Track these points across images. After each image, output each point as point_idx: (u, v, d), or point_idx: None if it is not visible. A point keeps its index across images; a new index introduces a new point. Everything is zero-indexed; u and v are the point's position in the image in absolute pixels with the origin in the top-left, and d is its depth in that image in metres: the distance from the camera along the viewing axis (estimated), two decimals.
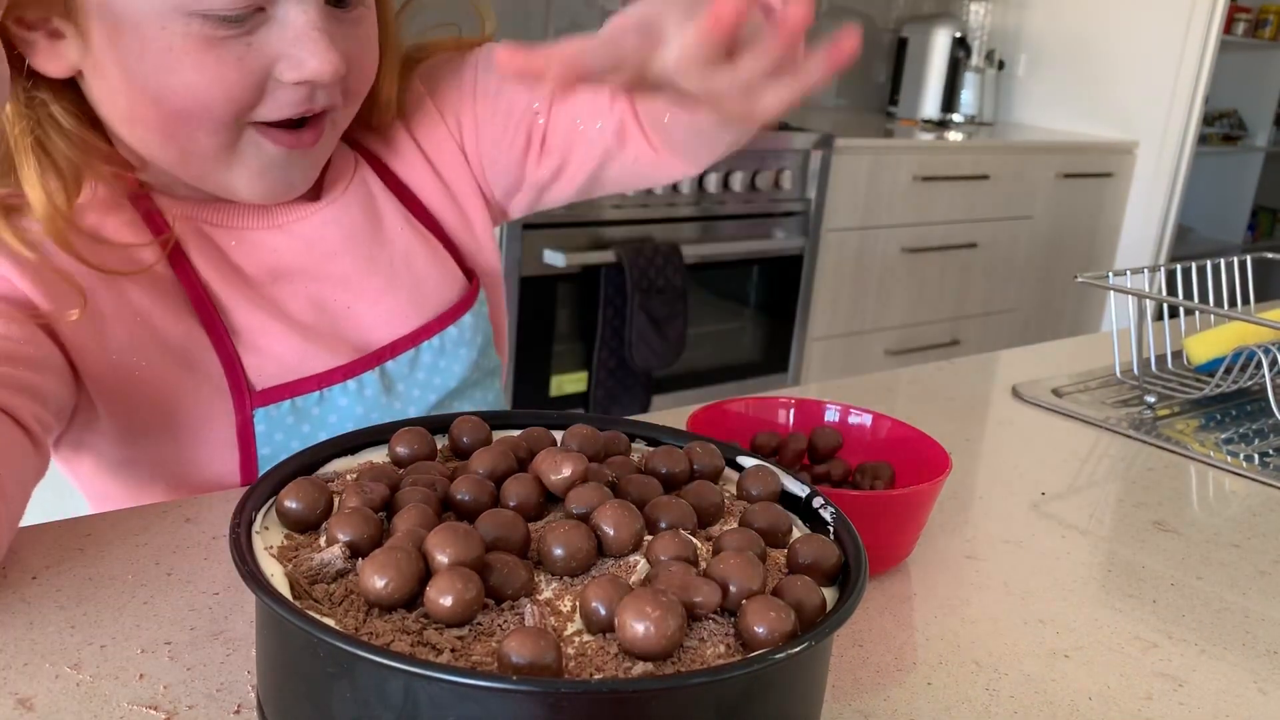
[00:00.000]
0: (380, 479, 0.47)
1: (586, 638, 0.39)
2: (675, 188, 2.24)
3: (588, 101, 0.77)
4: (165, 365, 0.67)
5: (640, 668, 0.37)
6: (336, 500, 0.47)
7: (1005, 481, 0.80)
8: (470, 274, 0.81)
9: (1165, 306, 1.09)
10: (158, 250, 0.67)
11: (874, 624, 0.58)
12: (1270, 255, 1.34)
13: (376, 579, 0.39)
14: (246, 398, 0.69)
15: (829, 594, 0.43)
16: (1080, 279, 1.05)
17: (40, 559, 0.57)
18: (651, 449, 0.54)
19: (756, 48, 0.48)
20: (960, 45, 3.19)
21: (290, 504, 0.45)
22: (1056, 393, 1.00)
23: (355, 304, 0.74)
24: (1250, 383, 1.02)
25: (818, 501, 0.50)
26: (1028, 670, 0.55)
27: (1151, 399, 1.00)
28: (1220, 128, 4.29)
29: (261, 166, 0.66)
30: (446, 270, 0.79)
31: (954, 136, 3.01)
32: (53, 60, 0.62)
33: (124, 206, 0.68)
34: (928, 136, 2.95)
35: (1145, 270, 1.10)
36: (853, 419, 0.72)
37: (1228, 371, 0.99)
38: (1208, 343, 1.06)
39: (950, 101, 3.23)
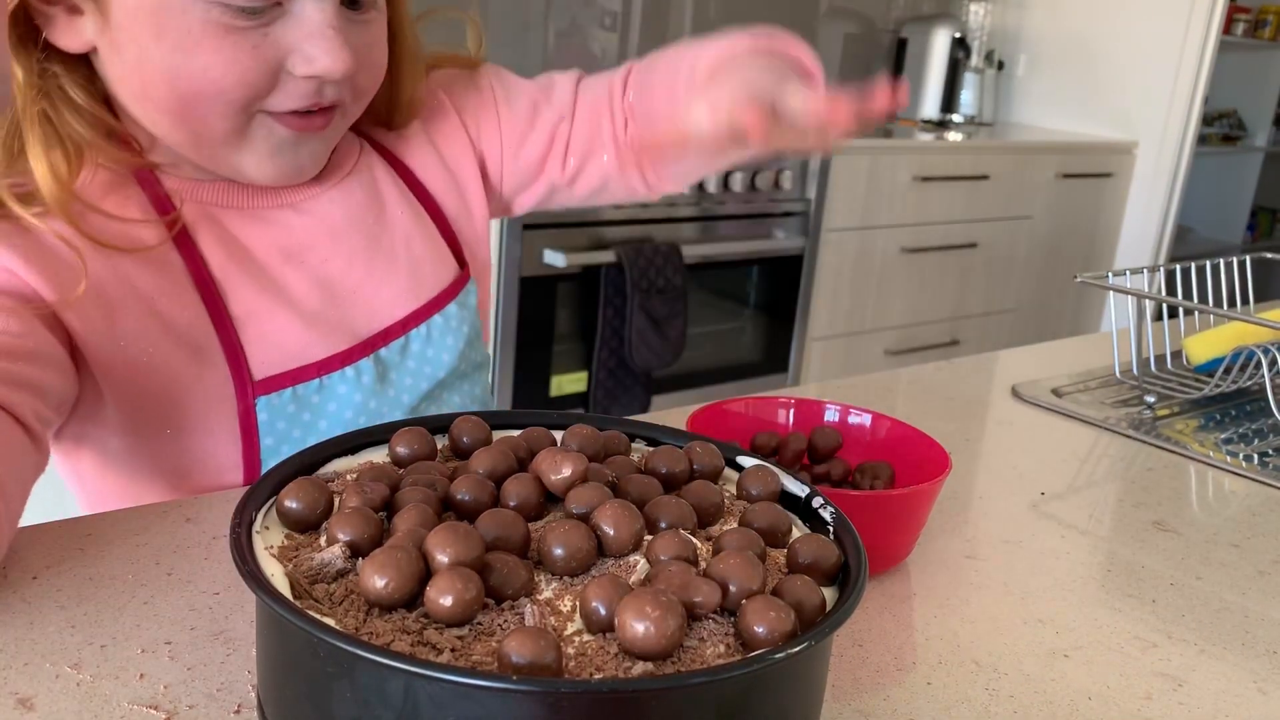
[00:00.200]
0: (380, 479, 0.47)
1: (586, 637, 0.39)
2: None
3: (595, 134, 0.84)
4: (172, 353, 0.68)
5: (640, 667, 0.37)
6: (337, 500, 0.47)
7: (1005, 481, 0.80)
8: (462, 262, 0.83)
9: (1165, 306, 1.09)
10: (163, 230, 0.68)
11: (874, 624, 0.58)
12: (1270, 255, 1.34)
13: (377, 579, 0.39)
14: (249, 387, 0.70)
15: (829, 594, 0.43)
16: (1080, 279, 1.05)
17: (40, 559, 0.57)
18: (651, 449, 0.54)
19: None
20: (960, 45, 3.19)
21: (290, 504, 0.45)
22: (1056, 393, 1.00)
23: (362, 285, 0.76)
24: (1250, 383, 1.02)
25: (817, 501, 0.50)
26: (1027, 670, 0.55)
27: (1151, 399, 1.00)
28: (1220, 128, 4.29)
29: (271, 149, 0.68)
30: (441, 254, 0.81)
31: (954, 137, 3.01)
32: (69, 35, 0.64)
33: (131, 188, 0.69)
34: (927, 137, 2.95)
35: (1145, 270, 1.10)
36: (852, 419, 0.72)
37: (1227, 371, 0.99)
38: (1207, 343, 1.06)
39: (950, 102, 3.23)
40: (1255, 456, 0.89)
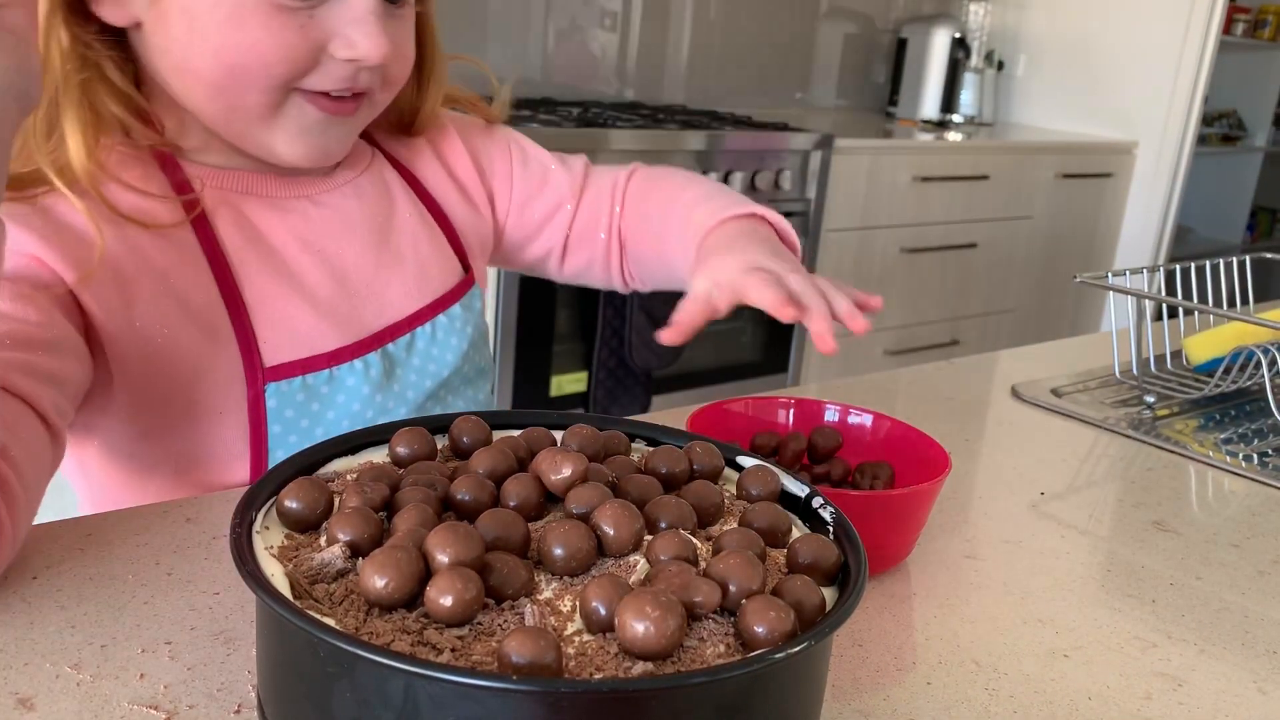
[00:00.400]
0: (380, 479, 0.47)
1: (586, 637, 0.39)
2: None
3: (595, 217, 0.90)
4: (185, 333, 0.69)
5: (640, 667, 0.37)
6: (337, 500, 0.47)
7: (1004, 481, 0.80)
8: (467, 267, 0.85)
9: (1165, 307, 1.09)
10: (181, 211, 0.70)
11: (874, 624, 0.58)
12: (1269, 255, 1.34)
13: (377, 579, 0.39)
14: (259, 373, 0.71)
15: (829, 594, 0.43)
16: (1080, 279, 1.05)
17: (40, 559, 0.57)
18: (651, 449, 0.54)
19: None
20: (960, 46, 3.19)
21: (290, 504, 0.45)
22: (1056, 393, 1.00)
23: (373, 280, 0.77)
24: (1249, 383, 1.02)
25: (817, 501, 0.50)
26: (1027, 670, 0.55)
27: (1151, 399, 1.00)
28: (1219, 128, 4.29)
29: (302, 128, 0.70)
30: (446, 257, 0.83)
31: (953, 137, 3.01)
32: (118, 9, 0.66)
33: (152, 169, 0.70)
34: (927, 137, 2.95)
35: (1145, 270, 1.10)
36: (852, 419, 0.72)
37: (1227, 371, 0.99)
38: (1207, 343, 1.06)
39: (950, 102, 3.23)
40: (1255, 456, 0.89)
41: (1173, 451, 0.89)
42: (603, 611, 0.39)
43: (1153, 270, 1.14)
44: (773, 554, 0.46)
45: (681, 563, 0.42)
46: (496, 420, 0.55)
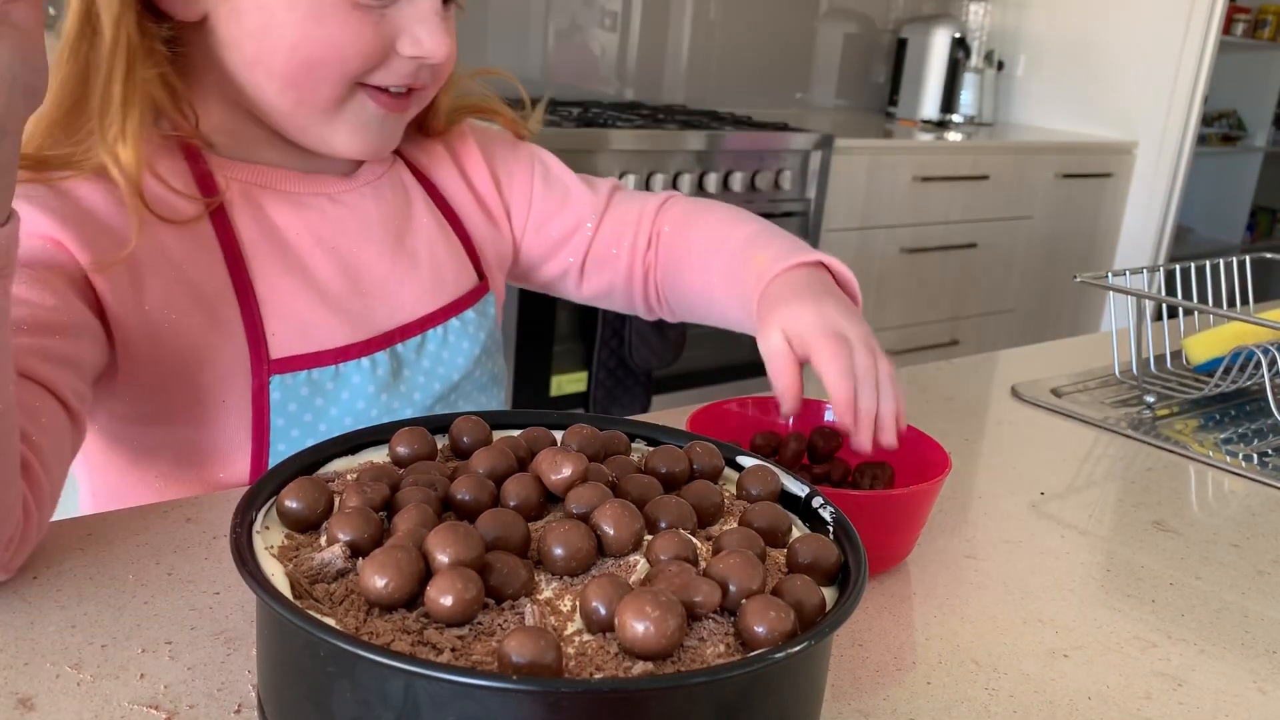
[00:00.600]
0: (380, 479, 0.47)
1: (586, 637, 0.39)
2: (675, 187, 2.24)
3: (617, 242, 0.89)
4: (194, 321, 0.69)
5: (640, 667, 0.37)
6: (337, 500, 0.47)
7: (1004, 481, 0.80)
8: (482, 275, 0.85)
9: (1164, 306, 1.09)
10: (201, 205, 0.71)
11: (873, 624, 0.58)
12: (1269, 255, 1.34)
13: (377, 579, 0.39)
14: (265, 364, 0.71)
15: (828, 594, 0.43)
16: (1080, 279, 1.05)
17: (40, 559, 0.57)
18: (651, 449, 0.54)
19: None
20: (959, 46, 3.19)
21: (291, 504, 0.45)
22: (1056, 393, 1.00)
23: (387, 280, 0.78)
24: (1249, 383, 1.02)
25: (817, 501, 0.50)
26: (1027, 670, 0.55)
27: (1151, 399, 1.00)
28: (1219, 128, 4.29)
29: (361, 123, 0.72)
30: (461, 263, 0.84)
31: (953, 137, 3.01)
32: (187, 4, 0.68)
33: (178, 161, 0.71)
34: (927, 137, 2.95)
35: (1144, 270, 1.10)
36: None
37: (1227, 371, 0.99)
38: (1207, 343, 1.06)
39: (950, 102, 3.22)
40: (1255, 456, 0.89)
41: (1173, 451, 0.89)
42: (603, 611, 0.39)
43: (1153, 270, 1.14)
44: (773, 554, 0.46)
45: (681, 563, 0.42)
46: (496, 420, 0.55)
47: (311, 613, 0.37)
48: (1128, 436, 0.91)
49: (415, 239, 0.81)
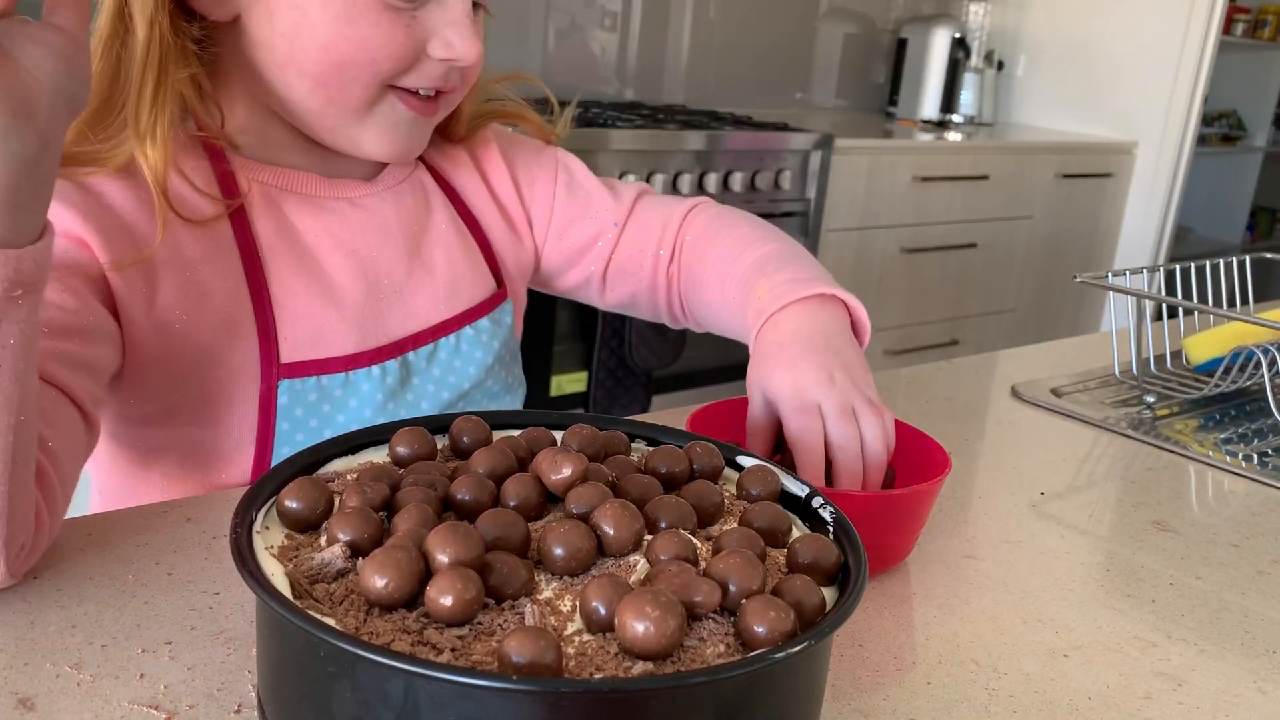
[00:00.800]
0: (380, 479, 0.47)
1: (586, 637, 0.39)
2: (675, 187, 2.24)
3: (640, 250, 0.88)
4: (206, 321, 0.69)
5: (640, 667, 0.37)
6: (337, 500, 0.47)
7: (1004, 481, 0.80)
8: (500, 283, 0.85)
9: (1164, 306, 1.09)
10: (222, 205, 0.71)
11: (873, 624, 0.58)
12: (1269, 255, 1.34)
13: (377, 579, 0.39)
14: (275, 368, 0.71)
15: (828, 594, 0.43)
16: (1079, 279, 1.05)
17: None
18: (651, 449, 0.54)
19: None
20: (959, 46, 3.19)
21: (291, 504, 0.45)
22: (1056, 393, 1.00)
23: (403, 287, 0.78)
24: (1249, 383, 1.02)
25: (817, 501, 0.50)
26: (1027, 670, 0.55)
27: (1151, 399, 1.00)
28: (1219, 128, 4.29)
29: (390, 125, 0.72)
30: (479, 270, 0.83)
31: (953, 137, 3.01)
32: (220, 4, 0.68)
33: (201, 160, 0.71)
34: (927, 137, 2.95)
35: (1144, 270, 1.10)
36: None
37: (1227, 371, 0.99)
38: (1207, 343, 1.06)
39: (949, 102, 3.23)
40: (1255, 456, 0.89)
41: (1173, 451, 0.89)
42: (603, 611, 0.39)
43: (1153, 270, 1.14)
44: (773, 554, 0.46)
45: (681, 563, 0.42)
46: (496, 420, 0.55)
47: (311, 613, 0.37)
48: (1128, 436, 0.91)
49: (433, 245, 0.80)
